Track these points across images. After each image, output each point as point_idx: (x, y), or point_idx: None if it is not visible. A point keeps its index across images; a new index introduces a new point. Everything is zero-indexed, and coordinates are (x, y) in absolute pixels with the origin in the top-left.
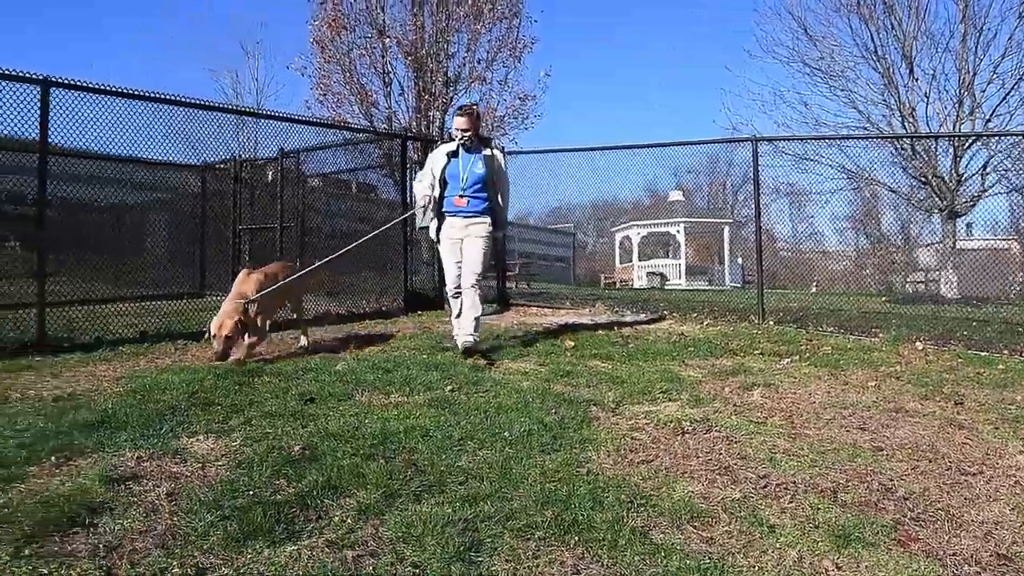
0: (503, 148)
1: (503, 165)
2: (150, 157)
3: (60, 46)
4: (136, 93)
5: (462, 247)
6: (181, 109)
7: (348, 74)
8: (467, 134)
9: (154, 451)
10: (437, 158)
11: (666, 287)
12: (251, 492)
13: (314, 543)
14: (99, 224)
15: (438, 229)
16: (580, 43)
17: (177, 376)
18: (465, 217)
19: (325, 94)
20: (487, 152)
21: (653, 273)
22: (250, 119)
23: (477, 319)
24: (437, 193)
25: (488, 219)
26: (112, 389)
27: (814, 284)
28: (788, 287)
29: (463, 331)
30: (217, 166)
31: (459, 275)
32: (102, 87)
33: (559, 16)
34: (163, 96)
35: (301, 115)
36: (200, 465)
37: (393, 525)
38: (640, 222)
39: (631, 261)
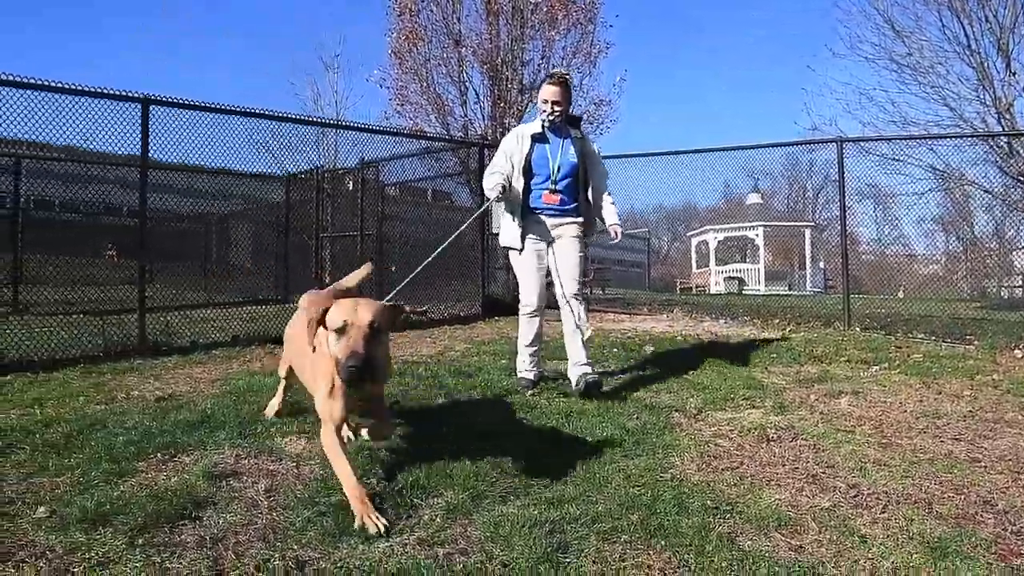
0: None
1: (595, 151)
2: (238, 168)
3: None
4: (228, 108)
5: (554, 251)
6: (267, 122)
7: (425, 84)
8: (559, 109)
9: (251, 449)
10: (519, 140)
11: (744, 292)
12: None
13: (406, 540)
14: (191, 233)
15: (521, 235)
16: (640, 46)
17: (269, 379)
18: (554, 216)
19: (403, 104)
20: (577, 135)
21: (731, 278)
22: (331, 130)
23: (587, 344)
24: (521, 185)
25: (581, 219)
26: (209, 391)
27: (900, 289)
28: (872, 292)
29: (577, 362)
30: (300, 176)
31: (543, 290)
32: (196, 103)
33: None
34: (253, 111)
35: (380, 125)
36: (295, 463)
37: (481, 525)
38: (717, 226)
39: (707, 266)
